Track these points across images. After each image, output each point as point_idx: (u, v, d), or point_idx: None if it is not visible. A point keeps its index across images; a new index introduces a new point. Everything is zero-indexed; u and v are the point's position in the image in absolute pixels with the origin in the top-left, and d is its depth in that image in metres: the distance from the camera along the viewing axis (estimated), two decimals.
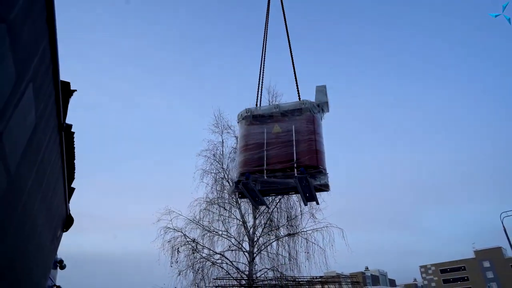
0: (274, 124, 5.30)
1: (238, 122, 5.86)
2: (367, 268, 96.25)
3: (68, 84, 4.07)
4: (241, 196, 5.45)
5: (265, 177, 4.86)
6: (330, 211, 22.31)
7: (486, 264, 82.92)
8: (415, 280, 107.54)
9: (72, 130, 4.89)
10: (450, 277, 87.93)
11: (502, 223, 28.37)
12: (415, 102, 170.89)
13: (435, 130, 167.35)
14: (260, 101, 6.52)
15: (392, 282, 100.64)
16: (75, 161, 5.67)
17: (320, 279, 13.77)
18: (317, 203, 5.30)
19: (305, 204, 5.30)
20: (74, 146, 5.21)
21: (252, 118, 5.52)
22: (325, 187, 4.90)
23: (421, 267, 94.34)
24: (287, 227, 13.95)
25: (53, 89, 3.52)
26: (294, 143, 4.95)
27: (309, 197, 5.08)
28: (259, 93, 6.55)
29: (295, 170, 4.73)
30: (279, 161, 4.90)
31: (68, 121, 4.66)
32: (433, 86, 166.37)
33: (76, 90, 4.28)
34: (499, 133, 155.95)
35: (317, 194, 5.08)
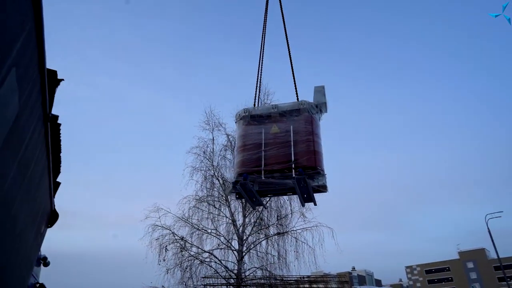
0: (272, 124, 5.27)
1: (235, 122, 5.82)
2: (354, 268, 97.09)
3: (54, 72, 3.90)
4: (239, 197, 5.41)
5: (263, 178, 4.83)
6: (320, 211, 22.38)
7: (470, 265, 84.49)
8: (400, 280, 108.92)
9: (58, 121, 4.71)
10: (435, 277, 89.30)
11: (487, 224, 28.93)
12: (403, 104, 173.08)
13: (422, 131, 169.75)
14: (258, 101, 6.49)
15: (378, 282, 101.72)
16: (61, 154, 5.48)
17: (308, 279, 13.76)
18: (315, 204, 5.27)
19: (303, 205, 5.27)
20: (60, 138, 5.02)
21: (250, 118, 5.48)
22: (323, 188, 4.88)
23: (406, 267, 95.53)
24: (277, 226, 13.89)
25: (38, 76, 3.35)
26: (292, 144, 4.92)
27: (307, 198, 5.05)
28: (257, 93, 6.52)
29: (293, 171, 4.70)
30: (277, 162, 4.87)
31: (54, 113, 4.48)
32: (421, 89, 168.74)
33: (63, 80, 4.10)
34: (486, 134, 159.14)
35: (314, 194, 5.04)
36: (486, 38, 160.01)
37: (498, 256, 27.26)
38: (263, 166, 4.89)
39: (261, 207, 13.42)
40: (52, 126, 4.47)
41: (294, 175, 4.65)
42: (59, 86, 4.19)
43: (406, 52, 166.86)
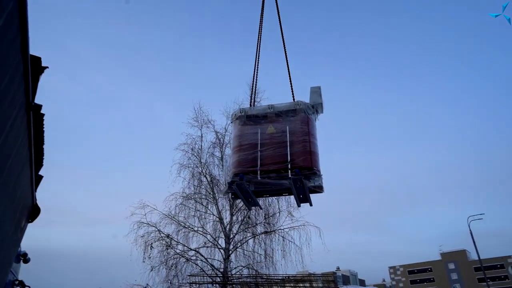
0: (268, 124, 5.27)
1: (231, 122, 5.83)
2: (338, 268, 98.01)
3: (38, 59, 3.73)
4: (234, 197, 5.41)
5: (259, 178, 4.81)
6: (307, 210, 22.38)
7: (451, 266, 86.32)
8: (383, 280, 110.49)
9: (42, 111, 4.53)
10: (417, 278, 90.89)
11: (469, 226, 29.56)
12: (390, 107, 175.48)
13: (408, 133, 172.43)
14: (254, 101, 6.49)
15: (362, 282, 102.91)
16: (44, 146, 5.28)
17: (294, 278, 13.75)
18: (311, 205, 5.28)
19: (298, 206, 5.31)
20: (44, 129, 4.83)
21: (246, 118, 5.47)
22: (319, 189, 4.89)
23: (390, 267, 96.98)
24: (264, 225, 13.85)
25: (21, 61, 3.19)
26: (288, 144, 4.93)
27: (302, 198, 5.07)
28: (253, 93, 6.54)
29: (289, 171, 4.70)
30: (273, 162, 4.87)
31: (37, 102, 4.30)
32: (406, 91, 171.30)
33: (47, 67, 3.93)
34: (469, 138, 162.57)
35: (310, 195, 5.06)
36: (477, 37, 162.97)
37: (479, 257, 27.85)
38: (259, 166, 4.88)
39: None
40: (35, 116, 4.29)
41: (290, 176, 4.64)
42: (43, 74, 4.02)
43: (396, 52, 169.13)
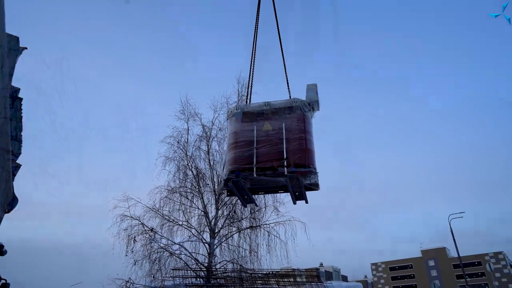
0: (264, 121, 5.27)
1: (227, 119, 5.83)
2: (322, 264, 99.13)
3: (16, 38, 3.53)
4: (230, 194, 5.42)
5: (255, 175, 4.80)
6: (293, 206, 22.41)
7: (431, 263, 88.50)
8: (365, 276, 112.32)
9: (20, 96, 4.32)
10: (398, 274, 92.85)
11: (450, 224, 30.21)
12: (378, 105, 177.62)
13: (389, 133, 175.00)
14: (250, 98, 6.44)
15: (344, 278, 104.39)
16: (22, 133, 5.05)
17: (278, 273, 13.76)
18: (306, 202, 5.29)
19: (294, 203, 5.33)
20: (22, 114, 4.61)
21: (242, 115, 5.44)
22: (315, 186, 4.90)
23: (372, 264, 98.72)
24: (250, 219, 13.80)
25: None
26: (284, 142, 4.93)
27: (298, 196, 5.08)
28: (249, 90, 6.49)
29: (285, 168, 4.70)
30: (269, 159, 4.88)
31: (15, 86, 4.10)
32: (394, 91, 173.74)
33: (26, 48, 3.74)
34: (451, 139, 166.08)
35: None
36: (473, 38, 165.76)
37: (458, 254, 28.51)
38: (255, 163, 4.87)
39: (233, 200, 13.27)
40: (13, 100, 4.08)
41: (286, 173, 4.64)
42: (21, 56, 3.82)
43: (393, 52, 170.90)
